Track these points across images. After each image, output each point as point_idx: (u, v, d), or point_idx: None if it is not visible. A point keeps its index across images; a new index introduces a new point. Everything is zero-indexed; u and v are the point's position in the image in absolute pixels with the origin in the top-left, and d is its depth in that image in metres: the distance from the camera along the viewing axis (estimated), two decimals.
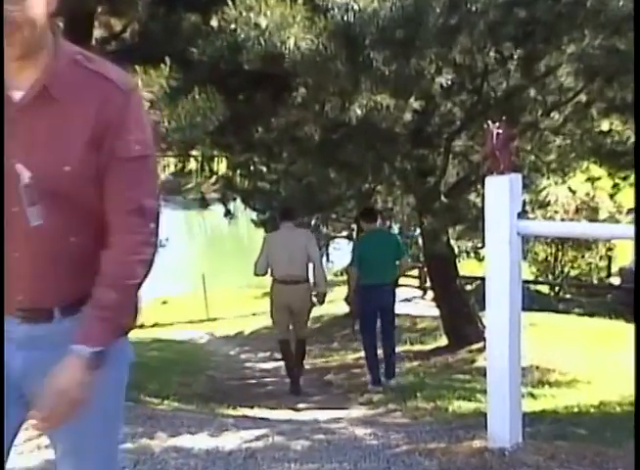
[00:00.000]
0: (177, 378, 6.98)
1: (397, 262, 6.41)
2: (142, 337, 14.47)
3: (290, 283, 6.07)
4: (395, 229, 15.95)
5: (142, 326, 21.29)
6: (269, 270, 6.23)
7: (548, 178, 9.46)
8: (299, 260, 6.12)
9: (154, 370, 7.32)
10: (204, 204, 11.93)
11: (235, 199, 11.83)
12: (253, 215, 13.25)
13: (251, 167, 10.35)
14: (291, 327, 6.38)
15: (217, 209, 12.63)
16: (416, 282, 17.97)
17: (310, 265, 6.22)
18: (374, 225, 6.63)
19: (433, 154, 7.98)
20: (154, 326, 20.21)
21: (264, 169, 10.53)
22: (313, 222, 14.12)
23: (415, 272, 18.46)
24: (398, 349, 9.61)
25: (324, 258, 22.86)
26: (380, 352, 6.30)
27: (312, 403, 5.85)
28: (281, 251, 6.14)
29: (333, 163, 7.69)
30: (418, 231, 12.77)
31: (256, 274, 6.37)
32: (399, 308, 14.79)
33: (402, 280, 18.40)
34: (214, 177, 11.71)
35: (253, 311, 17.36)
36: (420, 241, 11.81)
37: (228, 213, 11.86)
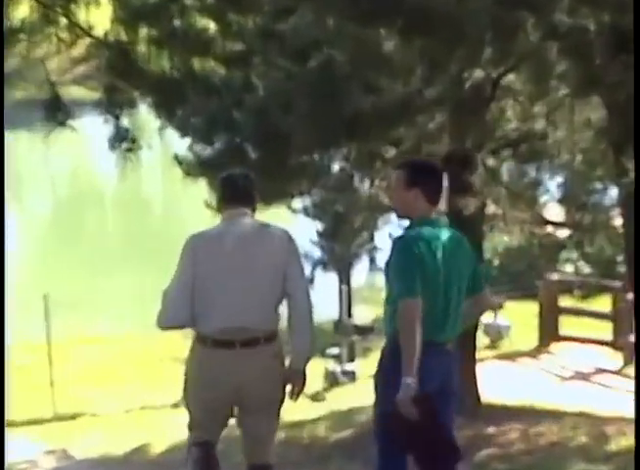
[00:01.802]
0: None
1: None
2: None
3: (239, 345, 6.73)
4: (551, 187, 16.05)
5: None
6: (192, 317, 6.70)
7: None
8: (263, 296, 6.76)
9: None
10: (56, 114, 12.08)
11: (132, 104, 12.15)
12: (182, 146, 13.38)
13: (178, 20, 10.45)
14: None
15: (92, 126, 12.76)
16: (606, 330, 18.07)
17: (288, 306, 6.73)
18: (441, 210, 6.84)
19: None
20: None
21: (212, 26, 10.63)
22: (337, 168, 14.29)
23: (603, 304, 18.61)
24: None
25: (366, 266, 23.11)
26: None
27: None
28: (223, 274, 6.68)
29: (392, 15, 7.87)
30: (614, 194, 12.93)
31: (163, 326, 6.85)
32: (560, 397, 14.84)
33: (568, 325, 18.39)
34: (86, 41, 11.95)
35: (176, 398, 17.53)
36: (618, 222, 11.94)
37: (121, 139, 12.08)
